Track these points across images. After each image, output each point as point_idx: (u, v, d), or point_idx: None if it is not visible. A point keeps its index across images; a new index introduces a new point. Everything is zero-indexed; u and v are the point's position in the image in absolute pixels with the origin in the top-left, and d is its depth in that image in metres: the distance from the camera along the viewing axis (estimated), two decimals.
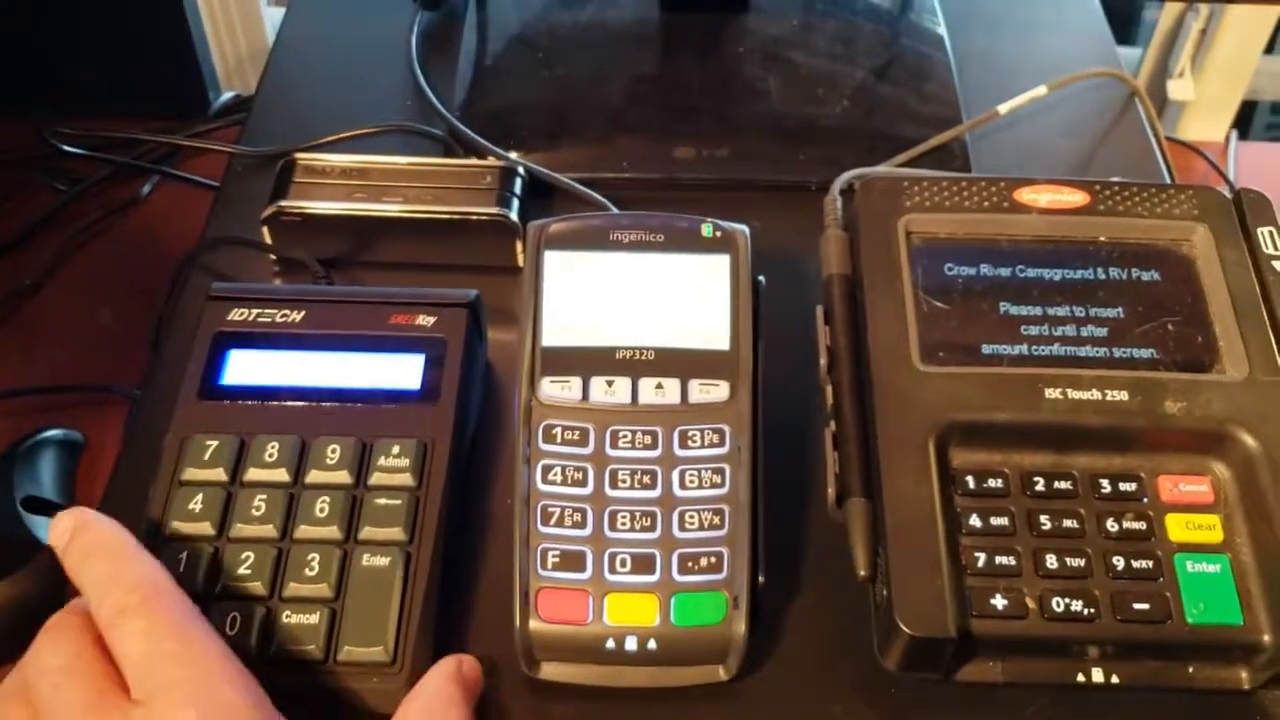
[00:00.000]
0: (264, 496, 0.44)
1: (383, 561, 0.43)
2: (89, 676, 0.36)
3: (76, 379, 0.70)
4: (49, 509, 0.64)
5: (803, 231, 0.57)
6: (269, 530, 0.43)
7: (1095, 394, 0.44)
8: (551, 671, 0.43)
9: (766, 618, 0.44)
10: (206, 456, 0.45)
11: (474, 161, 0.59)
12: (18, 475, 0.64)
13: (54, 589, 0.60)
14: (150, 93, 0.81)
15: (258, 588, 0.42)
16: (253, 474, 0.44)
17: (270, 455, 0.45)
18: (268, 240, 0.56)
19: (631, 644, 0.42)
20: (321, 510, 0.44)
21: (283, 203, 0.55)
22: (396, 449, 0.45)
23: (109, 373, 0.70)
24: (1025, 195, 0.50)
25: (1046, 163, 0.63)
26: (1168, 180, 0.62)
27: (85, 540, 0.39)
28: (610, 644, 0.42)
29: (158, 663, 0.36)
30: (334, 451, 0.45)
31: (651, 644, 0.42)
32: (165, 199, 0.78)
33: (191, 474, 0.44)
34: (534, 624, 0.42)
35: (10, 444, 0.66)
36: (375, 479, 0.45)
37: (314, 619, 0.42)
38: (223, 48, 0.92)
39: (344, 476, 0.44)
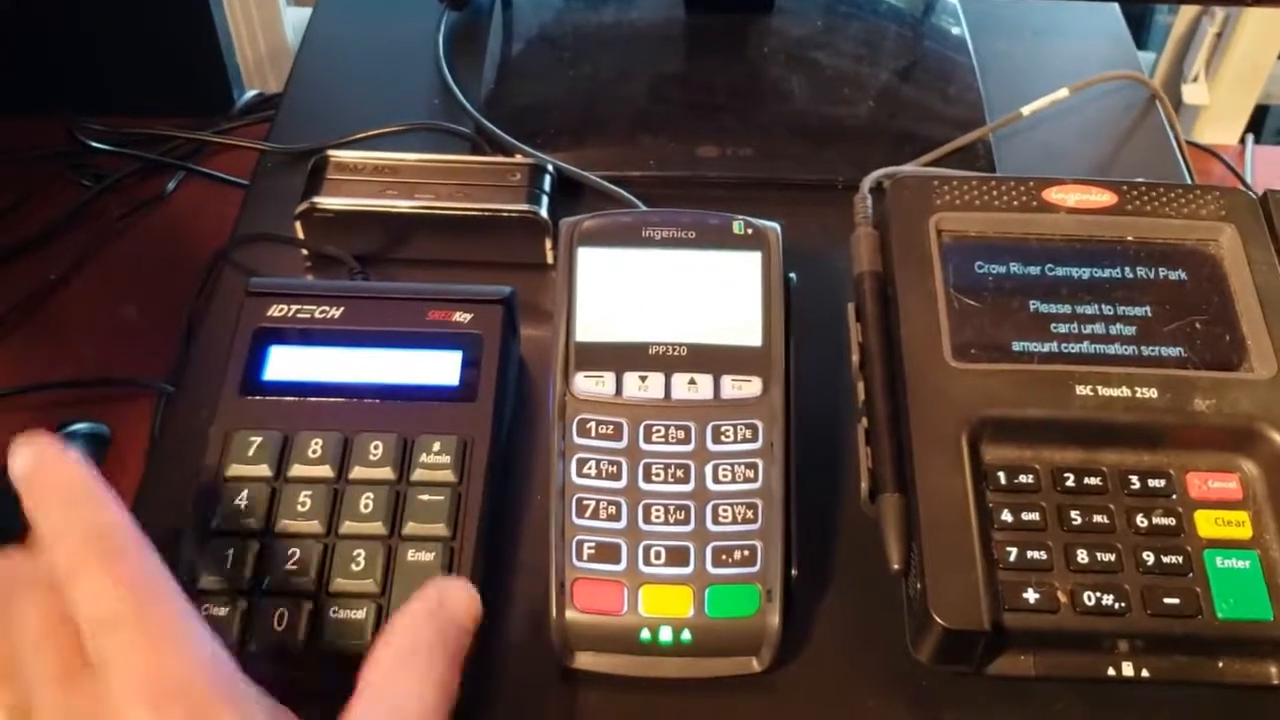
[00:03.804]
0: (309, 492, 0.44)
1: (427, 556, 0.43)
2: (57, 642, 0.33)
3: (102, 373, 0.71)
4: None
5: (827, 230, 0.57)
6: (315, 526, 0.44)
7: (1125, 391, 0.45)
8: (586, 661, 0.44)
9: (799, 610, 0.45)
10: (251, 452, 0.45)
11: (504, 159, 0.59)
12: None
13: None
14: (175, 90, 0.82)
15: (305, 583, 0.43)
16: (297, 470, 0.45)
17: (314, 451, 0.45)
18: (301, 236, 0.56)
19: (666, 635, 0.43)
20: (366, 506, 0.44)
21: (316, 199, 0.55)
22: (438, 445, 0.45)
23: (134, 366, 0.71)
24: (1054, 195, 0.50)
25: (1068, 164, 0.64)
26: (1189, 182, 0.63)
27: (43, 478, 0.35)
28: (645, 634, 0.43)
29: (109, 629, 0.32)
30: (376, 448, 0.45)
31: (686, 635, 0.43)
32: (189, 195, 0.79)
33: (236, 470, 0.45)
34: (570, 614, 0.43)
35: None
36: (418, 475, 0.45)
37: (361, 614, 0.42)
38: (243, 46, 0.92)
39: (387, 472, 0.45)
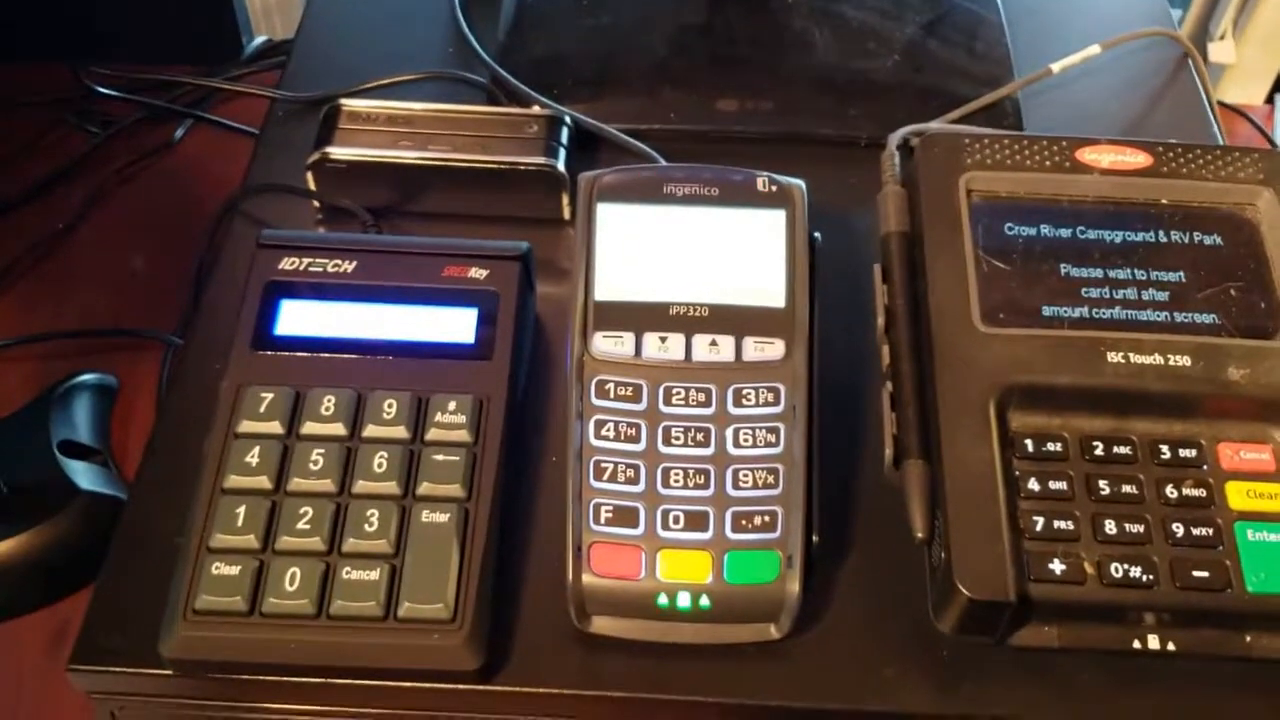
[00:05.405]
0: (321, 450, 0.43)
1: (442, 518, 0.42)
2: None
3: (109, 323, 0.70)
4: (85, 453, 0.64)
5: (850, 188, 0.56)
6: (327, 485, 0.43)
7: (1158, 359, 0.44)
8: (602, 626, 0.43)
9: (819, 577, 0.44)
10: (262, 409, 0.44)
11: (520, 110, 0.58)
12: (53, 419, 0.64)
13: (90, 533, 0.60)
14: (183, 36, 0.80)
15: (316, 543, 0.42)
16: (309, 427, 0.44)
17: (326, 408, 0.44)
18: (312, 187, 0.55)
19: (684, 600, 0.42)
20: (379, 465, 0.43)
21: (329, 149, 0.54)
22: (453, 405, 0.44)
23: (141, 317, 0.70)
24: (1087, 155, 0.49)
25: (1098, 122, 0.62)
26: (1220, 143, 0.61)
27: None
28: (662, 600, 0.42)
29: None
30: (390, 406, 0.44)
31: (704, 601, 0.42)
32: (197, 143, 0.78)
33: (248, 426, 0.44)
34: (586, 578, 0.42)
35: (45, 388, 0.66)
36: (432, 435, 0.44)
37: (374, 575, 0.41)
38: None
39: (401, 431, 0.44)
